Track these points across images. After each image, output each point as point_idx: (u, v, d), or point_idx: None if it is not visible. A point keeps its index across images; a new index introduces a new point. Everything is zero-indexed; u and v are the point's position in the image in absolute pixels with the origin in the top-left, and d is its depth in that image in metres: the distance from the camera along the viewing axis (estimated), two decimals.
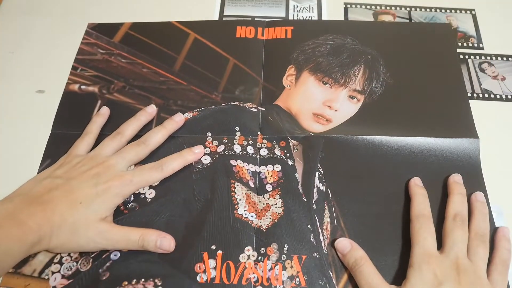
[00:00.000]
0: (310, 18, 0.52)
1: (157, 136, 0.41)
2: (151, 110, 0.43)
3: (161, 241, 0.35)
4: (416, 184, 0.39)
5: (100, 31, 0.50)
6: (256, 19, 0.51)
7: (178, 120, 0.42)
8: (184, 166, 0.40)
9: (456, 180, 0.39)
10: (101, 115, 0.43)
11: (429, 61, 0.47)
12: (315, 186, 0.39)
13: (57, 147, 0.42)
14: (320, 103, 0.44)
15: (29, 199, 0.34)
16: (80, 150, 0.40)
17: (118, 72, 0.47)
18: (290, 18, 0.52)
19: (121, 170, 0.38)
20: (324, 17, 0.52)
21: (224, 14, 0.52)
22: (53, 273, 0.35)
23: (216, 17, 0.52)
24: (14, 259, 0.32)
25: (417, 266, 0.33)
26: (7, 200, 0.35)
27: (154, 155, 0.41)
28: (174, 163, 0.39)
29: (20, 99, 0.46)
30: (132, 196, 0.38)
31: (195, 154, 0.40)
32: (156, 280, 0.35)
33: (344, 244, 0.36)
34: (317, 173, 0.40)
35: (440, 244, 0.35)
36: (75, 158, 0.39)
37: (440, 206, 0.38)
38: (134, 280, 0.35)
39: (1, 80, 0.47)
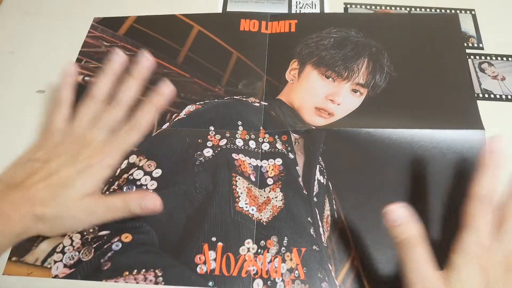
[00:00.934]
0: None
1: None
2: (117, 57, 0.39)
3: (145, 203, 0.34)
4: (493, 151, 0.32)
5: (105, 25, 0.50)
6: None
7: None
8: (159, 112, 0.37)
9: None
10: (67, 75, 0.39)
11: (433, 52, 0.47)
12: (316, 179, 0.40)
13: None
14: (322, 97, 0.44)
15: (10, 186, 0.34)
16: (57, 123, 0.37)
17: None
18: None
19: (101, 142, 0.36)
20: None
21: (227, 10, 0.52)
22: (55, 262, 0.36)
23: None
24: (0, 250, 0.32)
25: (466, 254, 0.29)
26: None
27: (157, 150, 0.41)
28: (146, 115, 0.37)
29: (20, 99, 0.46)
30: (134, 187, 0.39)
31: (164, 95, 0.37)
32: (157, 271, 0.35)
33: (400, 214, 0.30)
34: (318, 166, 0.40)
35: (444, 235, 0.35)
36: (52, 136, 0.37)
37: (443, 199, 0.38)
38: (135, 271, 0.35)
39: (1, 80, 0.47)
